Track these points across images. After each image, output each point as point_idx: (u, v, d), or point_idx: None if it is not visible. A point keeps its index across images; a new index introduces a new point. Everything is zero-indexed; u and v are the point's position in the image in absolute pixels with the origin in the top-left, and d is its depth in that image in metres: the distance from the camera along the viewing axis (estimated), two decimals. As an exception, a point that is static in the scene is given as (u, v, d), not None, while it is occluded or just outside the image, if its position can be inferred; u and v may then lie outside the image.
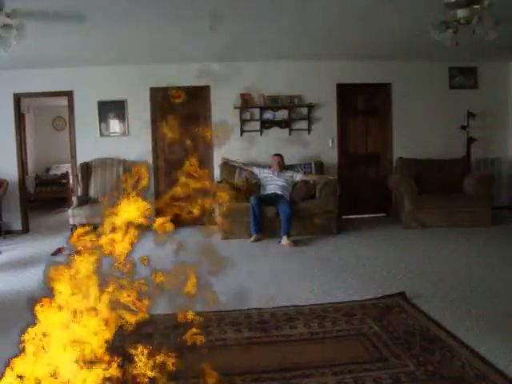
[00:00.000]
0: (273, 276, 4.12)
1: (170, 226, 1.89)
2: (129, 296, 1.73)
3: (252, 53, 5.99)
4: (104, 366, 1.61)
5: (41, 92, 6.54)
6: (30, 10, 3.81)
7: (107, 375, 1.60)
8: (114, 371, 1.61)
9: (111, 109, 6.52)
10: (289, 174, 6.04)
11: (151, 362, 1.72)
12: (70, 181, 8.02)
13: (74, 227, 5.76)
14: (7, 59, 5.32)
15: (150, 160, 6.50)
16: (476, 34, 3.86)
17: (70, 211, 5.79)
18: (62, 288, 1.64)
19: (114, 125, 6.56)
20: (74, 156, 6.55)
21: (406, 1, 4.12)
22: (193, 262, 1.99)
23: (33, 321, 1.64)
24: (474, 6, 3.67)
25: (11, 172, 6.38)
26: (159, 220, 1.89)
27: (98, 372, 1.59)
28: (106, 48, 5.54)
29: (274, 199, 5.64)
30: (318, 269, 4.30)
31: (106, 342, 1.67)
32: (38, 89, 6.41)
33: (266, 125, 6.70)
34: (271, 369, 2.37)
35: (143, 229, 1.85)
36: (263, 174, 6.06)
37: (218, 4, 4.06)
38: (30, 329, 1.60)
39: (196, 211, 1.93)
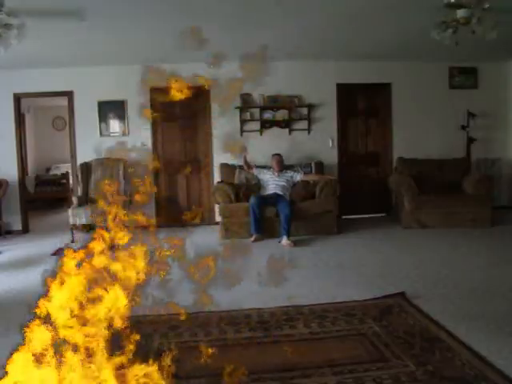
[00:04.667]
0: (273, 276, 4.11)
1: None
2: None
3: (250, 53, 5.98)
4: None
5: (41, 92, 6.54)
6: (30, 10, 3.81)
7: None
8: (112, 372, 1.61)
9: (111, 109, 6.53)
10: (289, 174, 6.03)
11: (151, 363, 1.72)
12: (70, 181, 8.01)
13: (74, 227, 5.76)
14: (7, 59, 5.32)
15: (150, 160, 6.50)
16: (476, 33, 3.87)
17: (70, 211, 5.79)
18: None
19: (114, 125, 6.57)
20: (73, 156, 6.56)
21: (406, 1, 4.13)
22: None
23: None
24: (474, 7, 3.68)
25: (11, 172, 6.38)
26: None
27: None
28: (106, 48, 5.54)
29: (274, 199, 5.64)
30: (318, 269, 4.30)
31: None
32: (38, 89, 6.41)
33: (266, 125, 6.70)
34: (271, 369, 2.37)
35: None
36: (263, 175, 6.05)
37: (217, 4, 4.07)
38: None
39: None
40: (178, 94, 1.88)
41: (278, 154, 6.11)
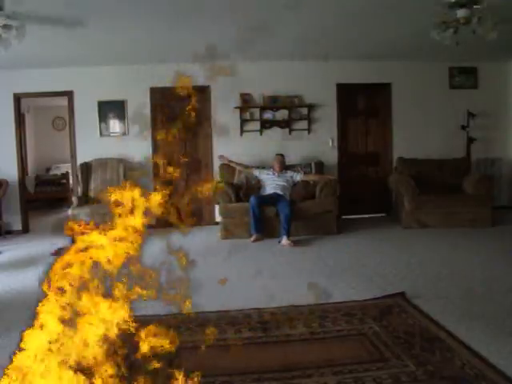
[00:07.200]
0: (273, 276, 4.12)
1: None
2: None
3: (252, 53, 5.99)
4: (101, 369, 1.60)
5: (41, 92, 6.54)
6: (30, 10, 3.81)
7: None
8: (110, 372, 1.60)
9: (111, 109, 6.52)
10: (289, 174, 6.03)
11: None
12: (70, 181, 8.01)
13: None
14: (7, 59, 5.32)
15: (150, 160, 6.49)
16: (476, 33, 3.87)
17: (70, 211, 5.79)
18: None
19: (114, 125, 6.57)
20: (73, 156, 6.56)
21: (406, 1, 4.12)
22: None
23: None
24: (474, 6, 3.67)
25: (11, 172, 6.38)
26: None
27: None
28: (106, 48, 5.54)
29: (274, 199, 5.64)
30: (318, 269, 4.30)
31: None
32: (38, 89, 6.41)
33: (266, 125, 6.70)
34: (271, 369, 2.37)
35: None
36: (263, 175, 6.05)
37: (217, 5, 4.07)
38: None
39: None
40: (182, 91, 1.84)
41: (281, 155, 6.12)
